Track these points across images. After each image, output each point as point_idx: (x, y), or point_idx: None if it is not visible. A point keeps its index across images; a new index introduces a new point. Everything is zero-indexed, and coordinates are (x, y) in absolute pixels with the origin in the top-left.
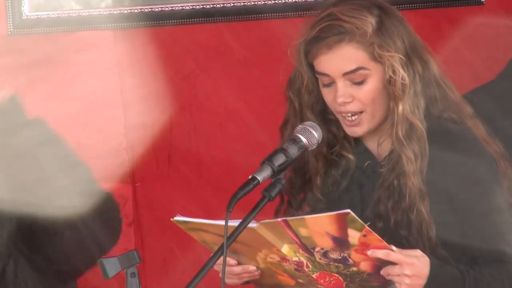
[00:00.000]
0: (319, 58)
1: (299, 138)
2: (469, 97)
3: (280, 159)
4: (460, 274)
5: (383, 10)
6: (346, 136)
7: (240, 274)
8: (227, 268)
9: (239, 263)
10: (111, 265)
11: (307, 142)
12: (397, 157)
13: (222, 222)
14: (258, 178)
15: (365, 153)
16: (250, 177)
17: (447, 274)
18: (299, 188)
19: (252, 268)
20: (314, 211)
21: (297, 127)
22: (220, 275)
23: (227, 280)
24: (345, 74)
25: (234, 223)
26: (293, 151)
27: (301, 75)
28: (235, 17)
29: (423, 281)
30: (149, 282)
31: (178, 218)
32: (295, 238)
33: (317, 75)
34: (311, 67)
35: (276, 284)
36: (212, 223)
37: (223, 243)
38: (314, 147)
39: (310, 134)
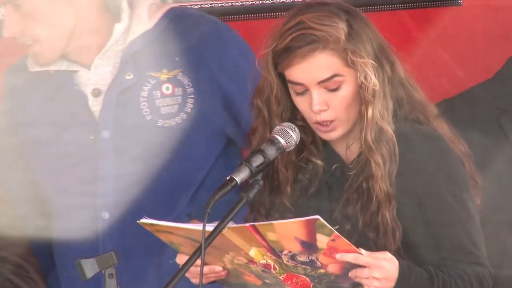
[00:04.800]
0: (292, 68)
1: (277, 139)
2: (469, 94)
3: (258, 160)
4: (429, 276)
5: (350, 14)
6: (313, 141)
7: (206, 274)
8: (193, 268)
9: (205, 263)
10: (89, 266)
11: (285, 143)
12: (365, 160)
13: (189, 226)
14: (236, 179)
15: (333, 157)
16: (228, 178)
17: (416, 276)
18: (268, 195)
19: (218, 268)
20: (282, 219)
21: (275, 128)
22: (191, 280)
23: (193, 280)
24: (320, 82)
25: (199, 227)
26: (271, 152)
27: (270, 85)
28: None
29: (392, 283)
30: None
31: (145, 220)
32: (263, 242)
33: (289, 84)
34: (280, 76)
35: (243, 284)
36: (180, 226)
37: (201, 244)
38: (292, 148)
39: (288, 135)
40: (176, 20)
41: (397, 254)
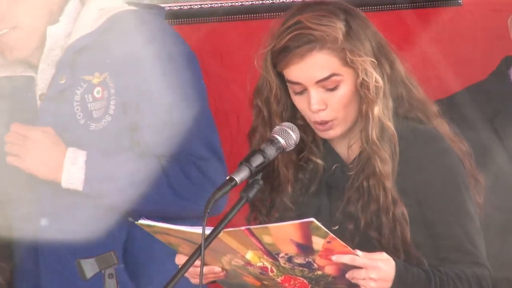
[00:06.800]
0: (290, 68)
1: (276, 139)
2: (463, 94)
3: (257, 160)
4: (426, 275)
5: (348, 13)
6: (314, 140)
7: (206, 275)
8: (192, 269)
9: (204, 264)
10: (89, 266)
11: (284, 143)
12: (366, 159)
13: (186, 228)
14: (236, 179)
15: (333, 156)
16: (227, 177)
17: (413, 276)
18: (268, 194)
19: (217, 269)
20: (283, 218)
21: (275, 128)
22: (191, 280)
23: (192, 280)
24: (318, 81)
25: (195, 229)
26: (271, 152)
27: (269, 84)
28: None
29: (389, 284)
30: None
31: (142, 221)
32: (259, 245)
33: (288, 84)
34: (279, 75)
35: (242, 284)
36: (176, 228)
37: (200, 244)
38: (292, 148)
39: (288, 135)
40: (117, 23)
41: (407, 250)
